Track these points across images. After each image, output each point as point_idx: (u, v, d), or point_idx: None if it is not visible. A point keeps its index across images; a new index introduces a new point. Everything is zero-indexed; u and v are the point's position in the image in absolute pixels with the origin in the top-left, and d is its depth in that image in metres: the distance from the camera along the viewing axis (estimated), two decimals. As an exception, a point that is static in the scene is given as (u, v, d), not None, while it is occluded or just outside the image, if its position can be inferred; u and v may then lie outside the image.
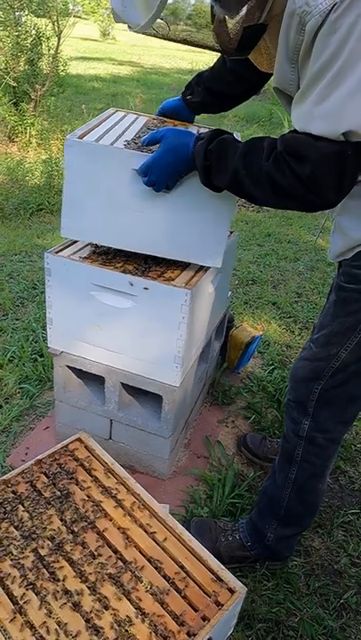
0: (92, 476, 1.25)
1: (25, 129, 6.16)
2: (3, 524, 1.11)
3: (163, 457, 1.72)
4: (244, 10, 1.05)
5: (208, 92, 1.57)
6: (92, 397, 1.74)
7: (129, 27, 1.13)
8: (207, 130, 1.30)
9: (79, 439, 1.35)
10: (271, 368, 2.42)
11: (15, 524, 1.11)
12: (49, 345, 1.67)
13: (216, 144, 1.19)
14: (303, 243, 4.04)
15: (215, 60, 1.57)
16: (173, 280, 1.44)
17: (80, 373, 1.75)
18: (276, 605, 1.48)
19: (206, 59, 15.34)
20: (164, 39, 1.15)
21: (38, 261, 3.33)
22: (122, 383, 1.63)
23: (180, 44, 1.24)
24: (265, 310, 2.96)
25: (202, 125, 1.69)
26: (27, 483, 1.22)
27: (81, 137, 1.38)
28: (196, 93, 1.60)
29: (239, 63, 1.48)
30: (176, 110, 1.67)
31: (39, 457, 1.29)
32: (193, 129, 1.61)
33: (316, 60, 0.95)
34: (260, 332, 2.32)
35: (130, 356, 1.57)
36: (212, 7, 1.09)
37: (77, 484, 1.23)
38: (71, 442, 1.34)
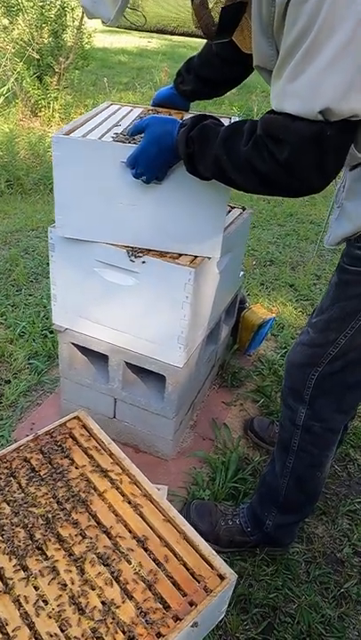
0: (87, 455, 1.24)
1: (48, 103, 6.10)
2: (-6, 499, 1.11)
3: (166, 437, 1.70)
4: None
5: (198, 79, 1.51)
6: (96, 375, 1.72)
7: (102, 22, 1.07)
8: (192, 115, 1.24)
9: (77, 417, 1.34)
10: (284, 351, 2.36)
11: (7, 499, 1.11)
12: (53, 321, 1.65)
13: (198, 130, 1.13)
14: (327, 224, 3.91)
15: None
16: (178, 258, 1.39)
17: (85, 351, 1.73)
18: (274, 591, 1.46)
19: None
20: (141, 30, 1.08)
21: (54, 237, 3.31)
22: (125, 362, 1.61)
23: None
24: (281, 292, 2.89)
25: (209, 112, 1.63)
26: (22, 459, 1.21)
27: (68, 133, 1.35)
28: (186, 81, 1.54)
29: (225, 47, 1.40)
30: (170, 99, 1.61)
31: (35, 433, 1.29)
32: (187, 117, 1.56)
33: (288, 32, 0.87)
34: (274, 315, 2.26)
35: (133, 335, 1.54)
36: None
37: (73, 463, 1.22)
38: (69, 420, 1.33)
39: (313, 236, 3.65)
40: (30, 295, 2.64)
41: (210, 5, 0.99)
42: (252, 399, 2.09)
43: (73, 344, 1.68)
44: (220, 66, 1.42)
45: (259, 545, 1.52)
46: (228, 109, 7.02)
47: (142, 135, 1.26)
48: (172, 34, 1.09)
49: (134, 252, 1.39)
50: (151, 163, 1.23)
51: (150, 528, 1.09)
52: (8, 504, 1.11)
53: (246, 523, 1.51)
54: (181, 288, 1.38)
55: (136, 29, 1.09)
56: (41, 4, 5.93)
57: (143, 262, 1.39)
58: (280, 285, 2.97)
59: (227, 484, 1.67)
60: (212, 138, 1.08)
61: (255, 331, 2.17)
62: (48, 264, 2.96)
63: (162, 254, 1.40)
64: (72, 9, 6.28)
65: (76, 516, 1.09)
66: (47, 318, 2.42)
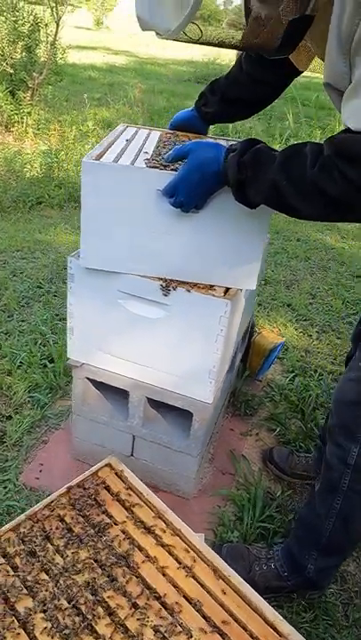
0: (125, 508, 1.13)
1: (22, 118, 5.97)
2: (32, 567, 0.98)
3: (189, 476, 1.61)
4: (290, 1, 0.92)
5: (224, 100, 1.46)
6: (113, 412, 1.61)
7: (157, 34, 1.00)
8: (237, 142, 1.18)
9: (109, 465, 1.23)
10: (292, 375, 2.31)
11: (46, 567, 0.99)
12: (69, 356, 1.54)
13: (250, 155, 1.06)
14: (313, 241, 3.93)
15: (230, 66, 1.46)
16: (211, 290, 1.31)
17: (99, 385, 1.62)
18: None
19: (206, 51, 15.12)
20: (197, 44, 1.02)
21: (42, 258, 3.18)
22: (147, 398, 1.51)
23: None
24: (280, 312, 2.85)
25: (224, 137, 1.58)
26: (55, 517, 1.09)
27: (98, 157, 1.26)
28: (210, 103, 1.49)
29: (258, 66, 1.37)
30: (189, 122, 1.57)
31: (66, 486, 1.17)
32: (221, 142, 1.50)
33: None
34: (283, 339, 2.20)
35: (158, 370, 1.44)
36: (247, 2, 0.96)
37: (111, 518, 1.11)
38: (100, 468, 1.22)
39: (302, 254, 3.64)
40: (23, 321, 2.50)
41: (272, 22, 0.93)
42: (266, 428, 2.02)
43: (88, 379, 1.56)
44: (249, 85, 1.37)
45: (297, 590, 1.43)
46: (217, 128, 7.03)
47: (182, 161, 1.18)
48: (232, 48, 1.02)
49: (168, 285, 1.30)
50: (193, 190, 1.15)
51: (207, 592, 0.99)
52: (47, 573, 0.98)
53: (283, 567, 1.42)
54: (216, 321, 1.30)
55: (191, 42, 1.02)
56: (14, 19, 5.82)
57: (174, 291, 1.30)
58: (277, 305, 2.92)
59: (255, 524, 1.58)
60: (268, 162, 1.01)
61: (266, 356, 2.11)
62: (39, 287, 2.85)
63: (193, 285, 1.32)
64: (46, 24, 6.20)
65: (124, 582, 0.98)
66: (45, 346, 2.29)
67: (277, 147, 5.85)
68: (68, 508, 1.11)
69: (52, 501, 1.13)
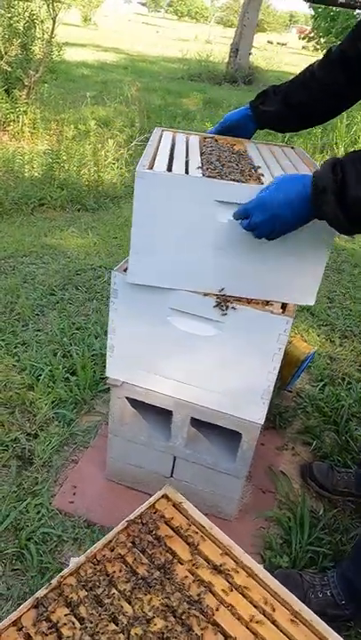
0: (189, 544, 1.05)
1: (17, 117, 5.83)
2: (100, 618, 0.90)
3: (233, 497, 1.53)
4: None
5: (285, 103, 1.38)
6: (152, 432, 1.53)
7: (327, 2, 0.95)
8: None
9: (166, 496, 1.14)
10: (321, 384, 2.24)
11: (114, 616, 0.91)
12: (108, 374, 1.45)
13: (345, 157, 0.99)
14: None
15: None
16: (268, 306, 1.23)
17: (136, 404, 1.54)
18: (376, 670, 1.31)
19: (198, 47, 15.03)
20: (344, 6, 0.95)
21: (52, 263, 3.08)
22: (192, 418, 1.43)
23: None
24: (300, 318, 2.78)
25: (270, 143, 1.50)
26: (116, 558, 1.01)
27: (150, 167, 1.17)
28: (270, 102, 1.40)
29: (333, 73, 1.29)
30: (240, 122, 1.47)
31: (125, 521, 1.08)
32: (251, 147, 1.42)
33: None
34: (314, 349, 2.13)
35: (206, 389, 1.36)
36: None
37: (175, 556, 1.03)
38: (157, 500, 1.13)
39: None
40: (39, 331, 2.40)
41: None
42: (302, 441, 1.95)
43: (127, 399, 1.48)
44: (317, 92, 1.30)
45: (355, 618, 1.36)
46: (200, 125, 6.95)
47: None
48: None
49: (224, 302, 1.22)
50: (274, 214, 1.05)
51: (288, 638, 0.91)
52: (116, 623, 0.90)
53: (339, 594, 1.35)
54: (274, 339, 1.22)
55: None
56: (9, 15, 5.68)
57: (233, 309, 1.22)
58: (297, 310, 2.85)
59: (304, 547, 1.51)
60: None
61: (298, 366, 2.04)
62: (52, 294, 2.75)
63: (249, 301, 1.24)
64: (41, 21, 6.06)
65: (200, 631, 0.90)
66: (65, 357, 2.20)
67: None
68: (129, 547, 1.03)
69: (110, 540, 1.04)
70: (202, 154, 1.35)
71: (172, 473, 1.56)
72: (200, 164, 1.24)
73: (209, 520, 1.10)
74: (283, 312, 1.22)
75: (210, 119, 7.25)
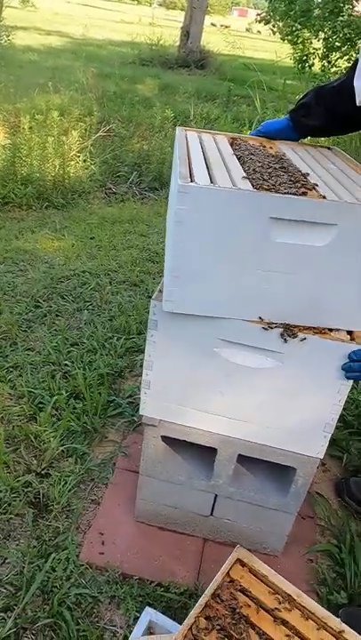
0: (277, 619, 0.91)
1: (-35, 107, 5.40)
2: None
3: (281, 533, 1.41)
4: None
5: (330, 114, 1.27)
6: (191, 471, 1.37)
7: None
8: None
9: (239, 560, 1.00)
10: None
11: None
12: (143, 413, 1.28)
13: None
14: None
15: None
16: (331, 333, 1.10)
17: (169, 441, 1.38)
18: None
19: (145, 30, 14.58)
20: None
21: (30, 271, 2.84)
22: (239, 455, 1.28)
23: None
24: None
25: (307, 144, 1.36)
26: (201, 646, 0.86)
27: (191, 179, 1.00)
28: (315, 115, 1.29)
29: None
30: (281, 133, 1.37)
31: (202, 602, 0.93)
32: (286, 149, 1.29)
33: None
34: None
35: (259, 425, 1.22)
36: None
37: (262, 636, 0.88)
38: (231, 567, 0.98)
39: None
40: (30, 350, 2.18)
41: None
42: (329, 455, 1.85)
43: (164, 438, 1.32)
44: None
45: None
46: (160, 111, 6.71)
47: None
48: None
49: (290, 330, 1.07)
50: None
51: None
52: None
53: None
54: (342, 370, 1.09)
55: None
56: None
57: (294, 338, 1.08)
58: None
59: (359, 579, 1.41)
60: None
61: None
62: (37, 307, 2.52)
63: (309, 329, 1.10)
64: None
65: None
66: (66, 379, 2.00)
67: (247, 133, 5.67)
68: (213, 634, 0.88)
69: (190, 626, 0.89)
70: (239, 158, 1.19)
71: (212, 511, 1.42)
72: (244, 174, 1.08)
73: (292, 585, 0.96)
74: (351, 339, 1.09)
75: (170, 106, 7.02)
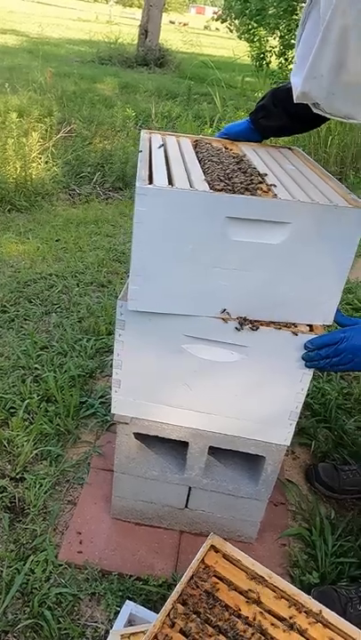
0: (253, 602, 0.95)
1: None
2: None
3: (254, 520, 1.46)
4: None
5: (288, 114, 1.32)
6: (164, 466, 1.41)
7: (341, 118, 0.96)
8: None
9: (213, 547, 1.04)
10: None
11: None
12: (114, 411, 1.30)
13: None
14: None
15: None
16: (293, 327, 1.15)
17: (142, 438, 1.41)
18: None
19: (103, 28, 14.46)
20: None
21: (-7, 275, 2.81)
22: (210, 447, 1.33)
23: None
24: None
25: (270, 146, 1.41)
26: (178, 632, 0.89)
27: (150, 180, 1.04)
28: (274, 116, 1.34)
29: None
30: (243, 135, 1.42)
31: (178, 589, 0.96)
32: (247, 150, 1.34)
33: None
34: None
35: (228, 416, 1.26)
36: None
37: (241, 618, 0.93)
38: (205, 553, 1.02)
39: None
40: (0, 355, 2.17)
41: None
42: (298, 443, 1.92)
43: (136, 435, 1.35)
44: None
45: None
46: (121, 111, 6.69)
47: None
48: None
49: (252, 325, 1.11)
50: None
51: None
52: None
53: None
54: (302, 360, 1.14)
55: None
56: None
57: (255, 330, 1.12)
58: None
59: (330, 559, 1.47)
60: None
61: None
62: (4, 312, 2.50)
63: (270, 323, 1.15)
64: None
65: None
66: (37, 383, 2.00)
67: (209, 131, 5.71)
68: (191, 617, 0.92)
69: (167, 613, 0.92)
70: (200, 160, 1.22)
71: (186, 504, 1.46)
72: (203, 175, 1.12)
73: (265, 568, 1.01)
74: (310, 331, 1.14)
75: (131, 105, 7.01)
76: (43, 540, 1.46)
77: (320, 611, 0.95)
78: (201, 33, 22.88)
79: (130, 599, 1.29)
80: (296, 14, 6.28)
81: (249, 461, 1.41)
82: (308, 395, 2.12)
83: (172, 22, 28.75)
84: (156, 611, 1.24)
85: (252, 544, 1.51)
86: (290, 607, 0.95)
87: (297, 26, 6.41)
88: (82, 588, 1.36)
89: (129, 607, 1.21)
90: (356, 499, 1.72)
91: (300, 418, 1.99)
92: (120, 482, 1.44)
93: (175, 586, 1.36)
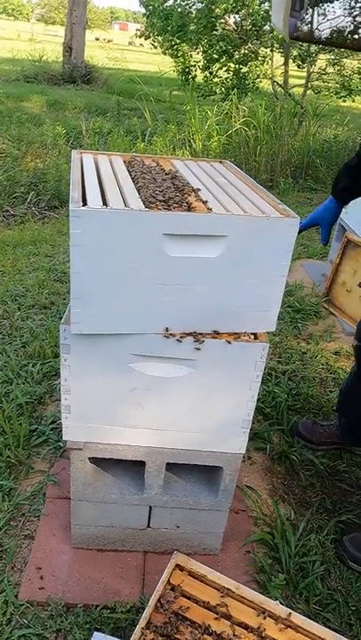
0: (223, 616, 0.95)
1: None
2: None
3: (217, 531, 1.46)
4: None
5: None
6: (123, 488, 1.38)
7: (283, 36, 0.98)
8: None
9: (178, 566, 1.03)
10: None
11: None
12: (66, 438, 1.27)
13: None
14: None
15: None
16: (240, 337, 1.16)
17: (96, 462, 1.38)
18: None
19: (26, 46, 14.27)
20: (314, 43, 0.95)
21: None
22: (168, 463, 1.32)
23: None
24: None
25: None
26: (150, 659, 0.87)
27: (84, 202, 1.03)
28: (356, 190, 1.56)
29: None
30: (336, 216, 1.64)
31: (145, 614, 0.94)
32: (179, 165, 1.37)
33: None
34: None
35: (180, 431, 1.26)
36: None
37: (213, 635, 0.92)
38: (171, 573, 1.01)
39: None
40: None
41: None
42: (254, 448, 1.94)
43: (91, 459, 1.32)
44: None
45: None
46: (49, 128, 6.62)
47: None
48: (347, 47, 0.98)
49: (197, 338, 1.12)
50: None
51: None
52: None
53: None
54: (252, 367, 1.16)
55: (311, 42, 0.97)
56: None
57: (203, 343, 1.13)
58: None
59: (294, 560, 1.50)
60: None
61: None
62: None
63: (217, 334, 1.16)
64: None
65: None
66: (-17, 416, 1.92)
67: (142, 146, 5.75)
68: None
69: (136, 639, 0.90)
70: (133, 179, 1.23)
71: (148, 523, 1.44)
72: (138, 193, 1.12)
73: (231, 580, 1.01)
74: (255, 339, 1.17)
75: (61, 122, 6.96)
76: (0, 580, 1.39)
77: (289, 614, 0.96)
78: (126, 49, 23.10)
79: (98, 630, 1.25)
80: (216, 30, 6.47)
81: (207, 473, 1.41)
82: (258, 399, 2.16)
83: (96, 39, 28.86)
84: (126, 637, 1.21)
85: (217, 555, 1.51)
86: (258, 616, 0.96)
87: (218, 41, 6.59)
88: (46, 626, 1.30)
89: (98, 639, 1.17)
90: (334, 448, 1.92)
91: (253, 423, 2.03)
92: (78, 509, 1.40)
93: (143, 609, 1.34)
